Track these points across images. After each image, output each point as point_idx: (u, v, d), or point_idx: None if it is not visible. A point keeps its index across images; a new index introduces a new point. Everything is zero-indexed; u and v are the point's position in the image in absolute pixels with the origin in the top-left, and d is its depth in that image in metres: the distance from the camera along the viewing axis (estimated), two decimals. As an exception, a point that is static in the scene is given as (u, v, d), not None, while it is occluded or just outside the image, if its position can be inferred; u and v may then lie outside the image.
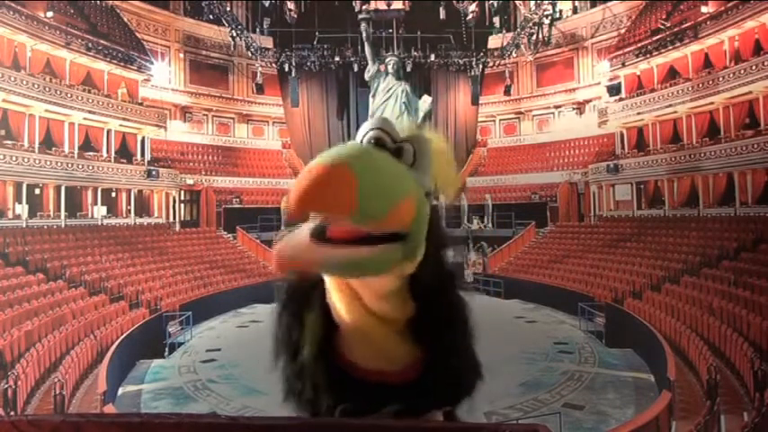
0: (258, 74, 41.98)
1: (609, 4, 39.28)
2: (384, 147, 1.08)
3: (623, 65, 34.36)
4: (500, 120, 46.32)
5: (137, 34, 36.45)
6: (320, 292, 1.11)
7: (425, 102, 39.98)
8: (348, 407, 1.14)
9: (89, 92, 30.39)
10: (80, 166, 29.17)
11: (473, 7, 37.36)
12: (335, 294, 1.08)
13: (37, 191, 28.04)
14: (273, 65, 42.37)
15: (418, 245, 1.02)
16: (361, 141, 1.11)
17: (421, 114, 39.80)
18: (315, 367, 1.14)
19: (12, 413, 11.33)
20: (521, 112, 45.29)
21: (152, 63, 35.68)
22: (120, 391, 15.88)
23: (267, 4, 37.75)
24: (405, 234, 0.98)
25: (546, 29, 37.67)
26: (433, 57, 41.71)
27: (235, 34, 38.25)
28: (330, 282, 1.08)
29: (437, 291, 1.11)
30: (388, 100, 38.86)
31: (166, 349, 19.75)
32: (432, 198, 1.11)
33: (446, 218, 1.11)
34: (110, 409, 12.91)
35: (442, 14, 38.36)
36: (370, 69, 39.17)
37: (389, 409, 1.12)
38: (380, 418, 1.11)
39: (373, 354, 1.11)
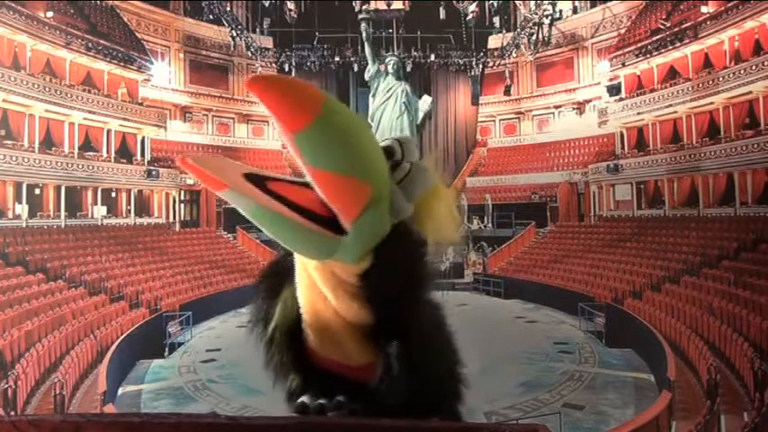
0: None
1: (609, 4, 39.28)
2: (391, 156, 1.06)
3: (623, 65, 34.34)
4: (500, 120, 46.30)
5: (137, 34, 36.45)
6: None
7: (425, 102, 40.03)
8: (306, 402, 1.15)
9: (89, 92, 30.39)
10: (80, 166, 29.16)
11: (473, 7, 37.36)
12: (298, 273, 1.08)
13: (37, 191, 28.04)
14: (273, 65, 42.34)
15: (356, 248, 0.98)
16: None
17: (421, 114, 39.86)
18: (282, 341, 1.15)
19: (12, 413, 11.33)
20: (521, 112, 45.27)
21: (152, 63, 35.69)
22: (120, 391, 15.88)
23: (267, 4, 37.75)
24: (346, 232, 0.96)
25: (546, 29, 37.64)
26: (433, 57, 41.70)
27: (235, 34, 38.26)
28: (297, 262, 1.08)
29: (390, 303, 1.06)
30: (388, 100, 38.89)
31: (166, 349, 19.75)
32: (410, 229, 1.06)
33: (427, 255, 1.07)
34: (110, 409, 12.91)
35: (442, 14, 38.35)
36: (370, 69, 39.19)
37: (346, 407, 1.13)
38: (338, 416, 1.12)
39: (328, 343, 1.11)
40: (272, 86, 0.86)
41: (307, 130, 0.86)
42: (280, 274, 1.17)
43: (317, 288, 1.06)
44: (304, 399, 1.15)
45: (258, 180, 0.96)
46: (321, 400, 1.13)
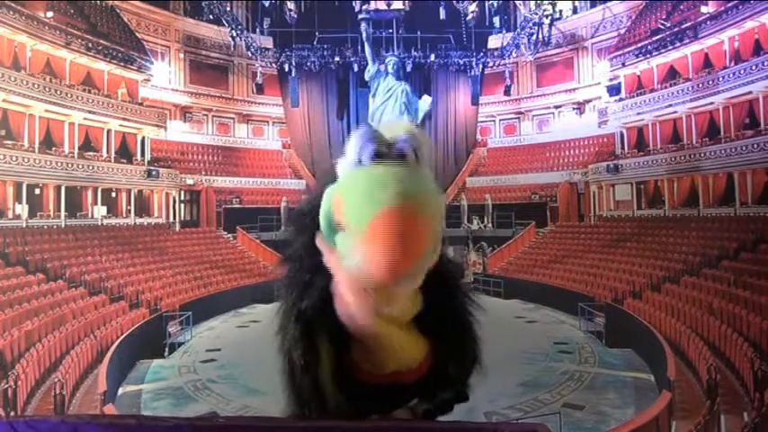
0: (258, 74, 41.96)
1: (609, 4, 39.26)
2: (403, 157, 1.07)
3: (623, 65, 34.37)
4: (500, 120, 46.31)
5: (137, 34, 36.44)
6: (326, 312, 1.10)
7: (425, 102, 39.99)
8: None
9: (89, 92, 30.39)
10: (80, 166, 29.17)
11: (473, 7, 37.34)
12: (348, 301, 1.07)
13: (37, 191, 28.04)
14: (273, 65, 42.36)
15: (437, 250, 1.03)
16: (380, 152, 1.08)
17: (421, 114, 39.82)
18: (333, 387, 1.14)
19: (12, 413, 11.34)
20: (521, 112, 45.27)
21: (152, 63, 35.68)
22: (120, 391, 15.88)
23: (267, 4, 37.75)
24: None
25: (546, 29, 37.63)
26: (433, 57, 41.70)
27: (235, 34, 38.23)
28: (346, 289, 1.07)
29: (442, 284, 1.13)
30: (388, 100, 38.86)
31: (166, 349, 19.74)
32: None
33: (445, 218, 1.10)
34: (110, 409, 12.90)
35: (442, 14, 38.35)
36: (370, 69, 39.16)
37: (415, 407, 1.15)
38: (402, 417, 1.13)
39: (388, 356, 1.12)
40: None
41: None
42: (302, 324, 1.16)
43: (370, 308, 1.07)
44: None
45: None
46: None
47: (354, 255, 0.96)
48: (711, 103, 28.31)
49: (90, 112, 30.08)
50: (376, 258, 0.92)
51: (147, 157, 34.91)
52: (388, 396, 1.16)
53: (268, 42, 42.68)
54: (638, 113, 33.03)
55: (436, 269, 1.06)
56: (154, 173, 33.31)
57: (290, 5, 37.28)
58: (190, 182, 36.97)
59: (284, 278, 1.18)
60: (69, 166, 28.55)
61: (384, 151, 1.07)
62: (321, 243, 1.06)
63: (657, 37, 31.71)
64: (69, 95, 28.83)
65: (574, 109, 42.25)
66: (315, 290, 1.11)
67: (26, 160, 26.25)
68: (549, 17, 36.94)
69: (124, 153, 33.17)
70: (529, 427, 1.05)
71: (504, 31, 42.08)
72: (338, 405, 1.15)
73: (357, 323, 1.07)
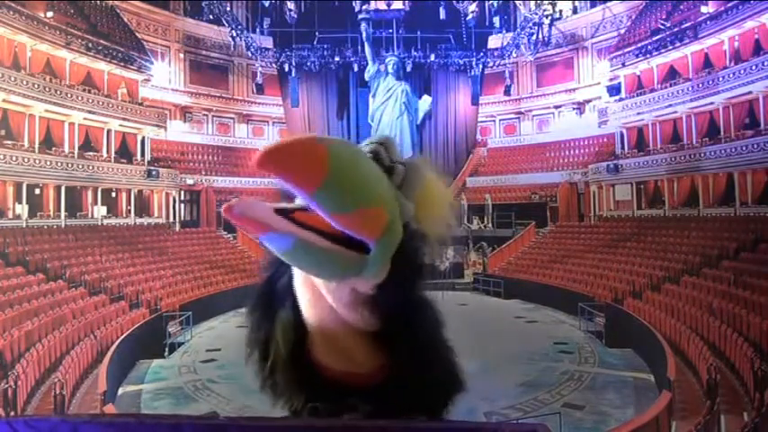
0: (258, 74, 41.98)
1: (609, 4, 39.26)
2: (379, 161, 1.07)
3: (623, 65, 34.36)
4: (500, 120, 46.30)
5: (137, 34, 36.45)
6: (293, 291, 1.11)
7: (425, 102, 40.11)
8: (318, 406, 1.15)
9: (89, 92, 30.40)
10: (80, 166, 29.17)
11: (473, 7, 37.40)
12: (302, 290, 1.08)
13: (37, 191, 28.04)
14: (273, 65, 42.38)
15: (380, 263, 1.00)
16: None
17: (421, 114, 39.90)
18: (287, 365, 1.15)
19: (12, 413, 11.34)
20: (521, 112, 45.27)
21: (152, 63, 35.68)
22: (121, 391, 15.88)
23: (267, 4, 37.83)
24: (369, 248, 0.97)
25: (546, 29, 37.67)
26: (433, 57, 41.70)
27: (235, 34, 38.27)
28: (298, 278, 1.09)
29: (401, 313, 1.09)
30: (388, 100, 38.95)
31: (166, 349, 19.73)
32: (410, 227, 1.07)
33: (426, 250, 1.09)
34: (110, 409, 12.90)
35: (442, 14, 38.43)
36: (370, 69, 39.26)
37: (361, 410, 1.13)
38: (352, 418, 1.12)
39: (337, 355, 1.12)
40: (277, 160, 0.89)
41: (319, 191, 0.90)
42: (268, 298, 1.18)
43: (324, 303, 1.07)
44: (317, 404, 1.16)
45: (285, 213, 1.00)
46: (327, 405, 1.15)
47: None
48: (711, 103, 28.30)
49: (90, 112, 30.09)
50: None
51: (147, 157, 34.91)
52: (339, 391, 1.15)
53: (268, 42, 42.72)
54: (638, 113, 33.03)
55: (397, 282, 1.05)
56: (154, 173, 33.31)
57: (290, 5, 37.33)
58: (190, 182, 36.97)
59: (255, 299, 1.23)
60: (69, 166, 28.55)
61: (382, 155, 1.09)
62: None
63: (657, 37, 31.71)
64: (69, 95, 28.83)
65: (574, 109, 42.25)
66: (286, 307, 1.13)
67: (26, 160, 26.26)
68: (549, 17, 36.99)
69: (124, 153, 33.17)
70: (529, 427, 1.05)
71: (504, 31, 42.18)
72: (288, 380, 1.17)
73: (305, 311, 1.09)
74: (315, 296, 1.07)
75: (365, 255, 0.97)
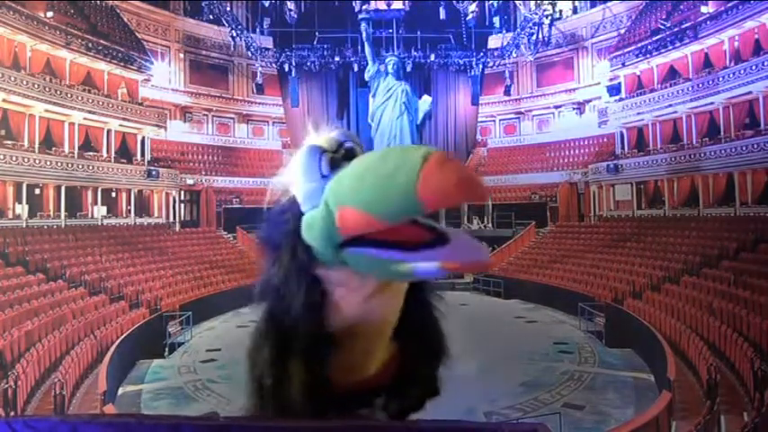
0: (258, 74, 42.00)
1: (609, 3, 39.28)
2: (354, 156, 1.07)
3: (623, 65, 34.37)
4: (500, 120, 46.31)
5: (137, 34, 36.46)
6: (309, 321, 1.07)
7: (425, 102, 40.05)
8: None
9: (89, 92, 30.39)
10: (80, 166, 29.16)
11: (473, 7, 37.41)
12: (356, 314, 1.06)
13: (37, 191, 28.04)
14: (273, 65, 42.38)
15: None
16: (338, 149, 1.09)
17: (421, 114, 39.87)
18: (303, 402, 1.12)
19: (12, 413, 11.34)
20: (521, 112, 45.28)
21: (152, 63, 35.68)
22: (120, 391, 15.88)
23: (267, 4, 37.84)
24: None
25: (546, 29, 37.68)
26: (433, 57, 41.71)
27: (235, 34, 38.27)
28: (352, 300, 1.06)
29: (418, 290, 1.12)
30: (388, 100, 38.92)
31: (166, 349, 19.73)
32: None
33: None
34: (110, 409, 12.91)
35: (442, 14, 38.45)
36: (371, 69, 39.23)
37: (385, 407, 1.14)
38: (371, 415, 1.12)
39: (365, 361, 1.11)
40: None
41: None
42: (275, 344, 1.15)
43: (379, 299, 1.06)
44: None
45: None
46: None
47: (425, 262, 0.91)
48: (711, 103, 28.31)
49: (90, 111, 30.09)
50: (447, 177, 0.83)
51: (147, 157, 34.90)
52: (357, 400, 1.15)
53: (268, 42, 42.74)
54: (638, 113, 33.04)
55: None
56: (154, 173, 33.31)
57: (290, 5, 37.35)
58: (190, 182, 36.98)
59: (264, 287, 1.15)
60: (69, 166, 28.55)
61: (336, 157, 1.07)
62: (315, 266, 1.04)
63: (657, 37, 31.72)
64: (69, 95, 28.83)
65: (574, 109, 42.27)
66: (302, 298, 1.07)
67: (26, 160, 26.25)
68: (549, 17, 37.00)
69: (124, 153, 33.17)
70: (529, 426, 1.05)
71: (504, 31, 42.22)
72: (305, 414, 1.14)
73: (354, 334, 1.07)
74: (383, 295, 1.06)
75: None
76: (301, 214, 1.04)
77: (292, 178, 1.08)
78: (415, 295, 1.11)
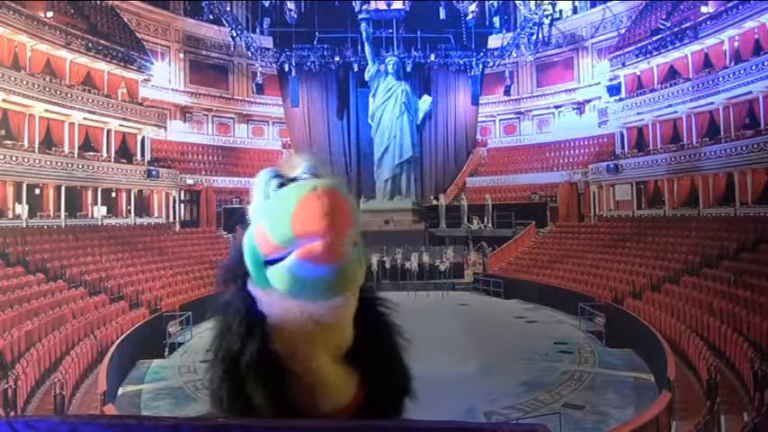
0: (258, 74, 42.03)
1: (609, 3, 39.29)
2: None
3: (623, 65, 34.37)
4: (500, 120, 46.34)
5: (137, 34, 36.46)
6: (263, 362, 1.08)
7: (425, 102, 40.09)
8: None
9: (89, 92, 30.40)
10: (80, 166, 29.17)
11: (473, 7, 37.40)
12: (295, 336, 1.07)
13: (37, 191, 28.04)
14: (273, 65, 42.40)
15: (365, 262, 1.06)
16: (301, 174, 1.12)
17: (421, 114, 39.89)
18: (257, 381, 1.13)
19: (12, 413, 11.34)
20: (521, 112, 45.31)
21: (152, 63, 35.68)
22: (120, 391, 15.87)
23: (267, 4, 37.87)
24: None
25: (546, 29, 37.69)
26: (433, 57, 41.72)
27: (235, 34, 38.28)
28: (288, 322, 1.07)
29: (373, 317, 1.15)
30: (388, 100, 38.92)
31: (166, 349, 19.74)
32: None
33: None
34: (110, 409, 12.90)
35: (442, 14, 38.46)
36: (371, 69, 39.24)
37: None
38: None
39: (325, 394, 1.11)
40: (335, 223, 0.95)
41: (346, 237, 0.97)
42: (228, 365, 1.16)
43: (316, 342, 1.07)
44: None
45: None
46: None
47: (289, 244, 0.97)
48: (711, 103, 28.31)
49: (90, 111, 30.09)
50: (310, 214, 0.94)
51: (147, 157, 34.90)
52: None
53: (268, 42, 42.76)
54: (639, 113, 33.03)
55: (363, 298, 1.10)
56: (154, 173, 33.31)
57: (290, 5, 37.35)
58: (190, 182, 36.99)
59: (217, 330, 1.17)
60: (69, 166, 28.55)
61: (286, 183, 1.10)
62: (254, 288, 1.08)
63: (657, 37, 31.71)
64: (69, 95, 28.83)
65: (574, 109, 42.30)
66: (253, 342, 1.09)
67: (26, 160, 26.26)
68: (549, 17, 37.02)
69: (124, 153, 33.16)
70: (528, 427, 1.05)
71: (504, 31, 42.26)
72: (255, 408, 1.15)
73: (298, 357, 1.07)
74: (310, 335, 1.07)
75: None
76: None
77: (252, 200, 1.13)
78: (366, 321, 1.12)
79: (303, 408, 1.11)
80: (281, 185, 1.06)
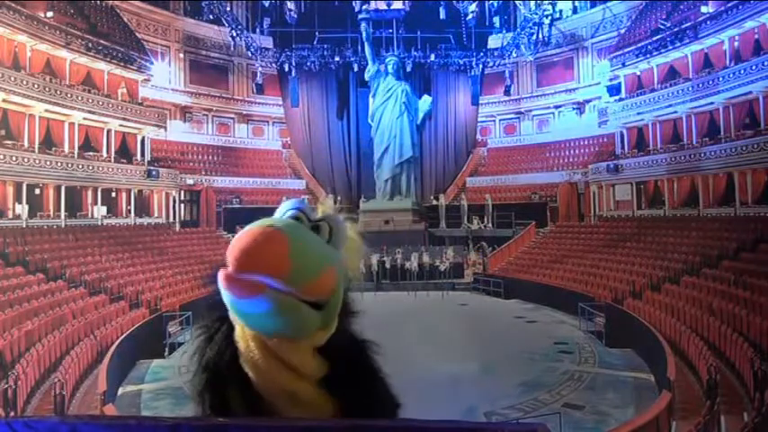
0: (258, 74, 42.04)
1: (609, 3, 39.29)
2: (300, 220, 1.16)
3: (623, 65, 34.36)
4: (500, 120, 46.35)
5: (137, 34, 36.46)
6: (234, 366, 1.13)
7: (425, 102, 40.11)
8: None
9: (89, 92, 30.39)
10: (80, 166, 29.16)
11: (473, 7, 37.39)
12: (254, 353, 1.10)
13: (37, 191, 28.03)
14: (273, 65, 42.39)
15: (334, 316, 1.11)
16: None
17: (421, 114, 39.91)
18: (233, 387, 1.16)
19: (12, 413, 11.34)
20: (521, 112, 45.32)
21: (152, 63, 35.67)
22: (120, 391, 15.87)
23: (267, 3, 37.87)
24: (322, 304, 1.07)
25: (546, 29, 37.71)
26: (433, 57, 41.72)
27: (235, 34, 38.30)
28: (247, 342, 1.11)
29: (347, 354, 1.17)
30: (388, 100, 38.95)
31: (166, 349, 19.74)
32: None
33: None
34: (110, 409, 12.89)
35: (442, 14, 38.46)
36: (371, 69, 39.26)
37: None
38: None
39: (301, 412, 1.13)
40: (249, 264, 1.01)
41: (288, 279, 1.00)
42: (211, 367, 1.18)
43: (276, 358, 1.09)
44: None
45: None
46: None
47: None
48: (711, 103, 28.31)
49: (90, 111, 30.08)
50: (237, 244, 1.02)
51: (147, 157, 34.90)
52: None
53: (268, 42, 42.77)
54: (639, 113, 33.02)
55: (342, 329, 1.15)
56: (154, 173, 33.30)
57: (290, 5, 37.34)
58: (190, 182, 37.00)
59: (201, 337, 1.24)
60: (69, 166, 28.55)
61: (303, 219, 1.15)
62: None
63: (657, 37, 31.70)
64: (69, 95, 28.82)
65: (574, 109, 42.31)
66: (231, 356, 1.13)
67: (26, 160, 26.26)
68: (549, 17, 37.06)
69: (124, 153, 33.15)
70: (529, 427, 1.06)
71: (504, 31, 42.27)
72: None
73: (263, 378, 1.10)
74: (267, 355, 1.09)
75: (320, 311, 1.07)
76: None
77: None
78: (338, 350, 1.15)
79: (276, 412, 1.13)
80: (294, 217, 1.16)
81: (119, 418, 1.02)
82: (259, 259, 0.99)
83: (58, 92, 28.23)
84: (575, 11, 42.25)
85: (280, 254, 0.99)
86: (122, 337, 18.04)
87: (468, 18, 38.27)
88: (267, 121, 45.80)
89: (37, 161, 26.82)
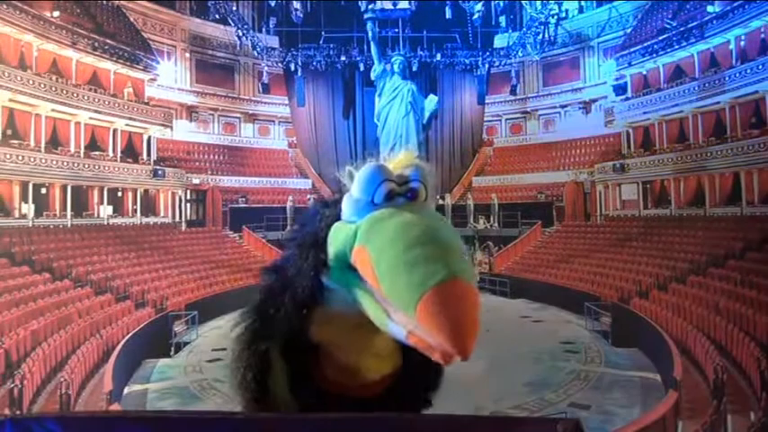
0: (264, 73, 42.05)
1: (615, 3, 39.19)
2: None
3: (629, 64, 34.30)
4: (506, 119, 46.26)
5: (143, 34, 36.46)
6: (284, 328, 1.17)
7: (431, 101, 40.04)
8: None
9: (95, 91, 30.43)
10: (86, 166, 29.20)
11: (479, 7, 37.36)
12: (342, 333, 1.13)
13: (43, 190, 28.09)
14: (279, 64, 42.38)
15: None
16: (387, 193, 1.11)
17: (427, 114, 39.87)
18: (288, 397, 1.16)
19: (18, 412, 11.37)
20: (527, 112, 45.22)
21: (158, 62, 35.68)
22: (126, 390, 15.92)
23: (273, 3, 37.90)
24: None
25: (552, 28, 37.67)
26: (439, 56, 41.65)
27: (241, 34, 38.34)
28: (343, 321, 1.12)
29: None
30: (394, 99, 38.94)
31: (172, 349, 19.78)
32: None
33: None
34: (115, 408, 12.92)
35: (448, 14, 38.44)
36: (377, 69, 39.25)
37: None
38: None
39: (353, 376, 1.13)
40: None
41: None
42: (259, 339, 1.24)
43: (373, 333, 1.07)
44: None
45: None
46: None
47: (398, 325, 0.96)
48: (718, 103, 28.25)
49: (96, 111, 30.11)
50: (442, 336, 0.87)
51: (154, 156, 34.94)
52: (349, 407, 1.16)
53: (274, 42, 42.75)
54: (645, 113, 32.96)
55: None
56: (160, 172, 33.32)
57: (296, 5, 37.35)
58: (196, 181, 37.04)
59: (273, 276, 1.29)
60: (75, 165, 28.59)
61: (397, 190, 1.10)
62: (325, 277, 1.11)
63: (664, 36, 31.64)
64: (75, 95, 28.87)
65: (580, 108, 42.22)
66: (303, 294, 1.14)
67: (32, 160, 26.30)
68: (556, 16, 37.02)
69: (130, 152, 33.18)
70: (550, 420, 1.06)
71: (510, 31, 42.16)
72: (288, 406, 1.20)
73: (342, 349, 1.14)
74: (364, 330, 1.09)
75: None
76: (337, 218, 1.11)
77: (351, 184, 1.16)
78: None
79: (328, 382, 1.13)
80: (389, 195, 1.08)
81: (129, 413, 1.02)
82: (471, 334, 0.88)
83: (65, 91, 28.29)
84: (581, 10, 42.15)
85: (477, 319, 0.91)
86: (128, 336, 18.09)
87: (474, 17, 38.24)
88: (273, 121, 45.79)
89: (43, 161, 26.87)
